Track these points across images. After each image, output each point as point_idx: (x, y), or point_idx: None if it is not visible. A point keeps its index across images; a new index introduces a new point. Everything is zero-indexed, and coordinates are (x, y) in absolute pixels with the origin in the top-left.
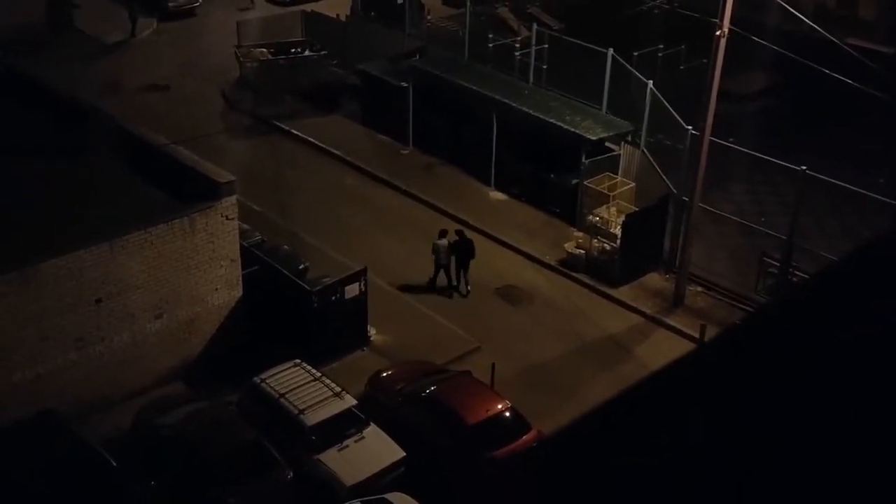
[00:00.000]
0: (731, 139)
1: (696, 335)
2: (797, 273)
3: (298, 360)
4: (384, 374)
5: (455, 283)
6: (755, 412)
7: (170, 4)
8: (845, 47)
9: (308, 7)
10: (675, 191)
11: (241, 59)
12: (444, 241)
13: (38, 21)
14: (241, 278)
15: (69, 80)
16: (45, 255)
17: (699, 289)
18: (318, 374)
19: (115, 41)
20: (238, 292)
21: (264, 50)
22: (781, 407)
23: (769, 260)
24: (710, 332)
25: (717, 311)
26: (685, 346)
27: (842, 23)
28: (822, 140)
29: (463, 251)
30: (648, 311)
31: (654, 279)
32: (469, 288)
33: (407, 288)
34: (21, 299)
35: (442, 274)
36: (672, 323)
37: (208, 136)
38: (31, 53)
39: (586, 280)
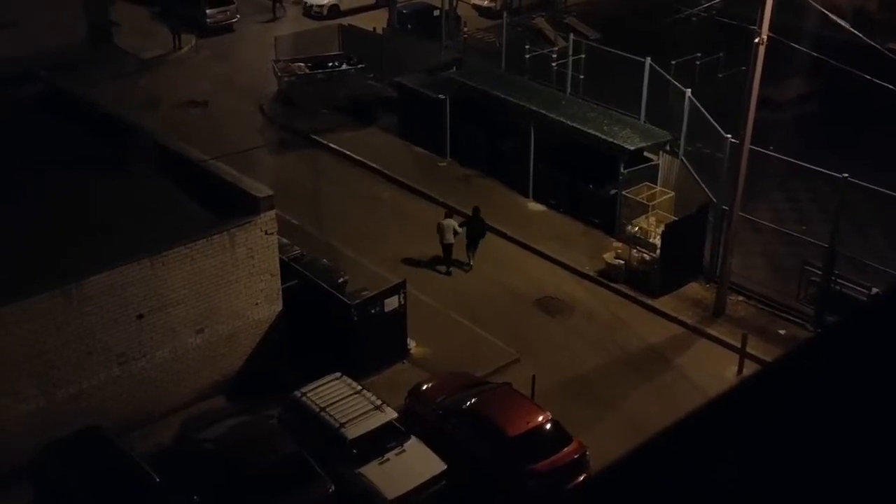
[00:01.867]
0: (770, 147)
1: (738, 345)
2: (840, 281)
3: (339, 374)
4: (424, 387)
5: (469, 260)
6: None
7: (208, 20)
8: (886, 52)
9: (345, 21)
10: (714, 200)
11: (279, 73)
12: (449, 221)
13: (79, 40)
14: (280, 292)
15: (110, 97)
16: (88, 270)
17: (740, 298)
18: (359, 388)
19: (154, 57)
20: (278, 306)
21: (301, 64)
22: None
23: (811, 268)
24: (752, 342)
25: (759, 321)
26: (727, 357)
27: (883, 27)
28: (863, 146)
29: (475, 229)
30: (689, 321)
31: (695, 289)
32: (472, 263)
33: (446, 301)
34: (65, 315)
35: (450, 252)
36: (713, 333)
37: (247, 151)
38: (73, 71)
39: (626, 290)
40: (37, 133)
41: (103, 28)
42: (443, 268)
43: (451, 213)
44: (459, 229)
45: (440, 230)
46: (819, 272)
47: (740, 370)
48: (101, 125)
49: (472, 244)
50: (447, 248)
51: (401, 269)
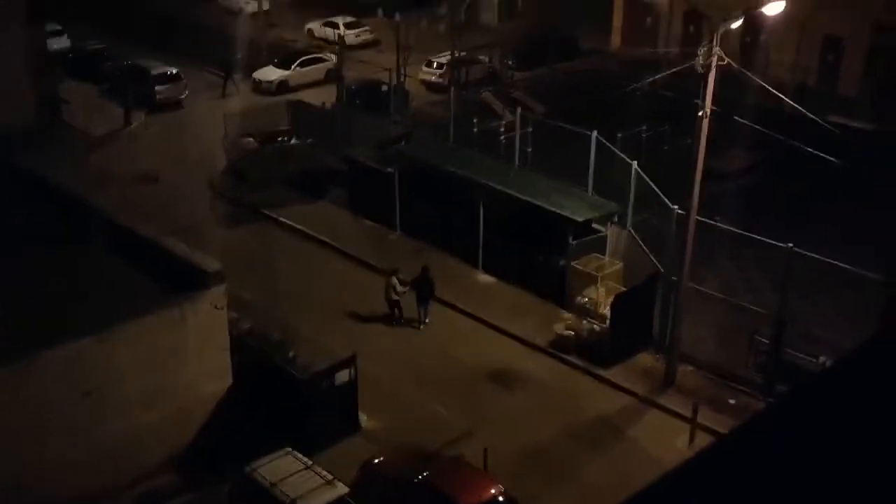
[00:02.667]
0: (716, 217)
1: (689, 415)
2: (788, 351)
3: (289, 449)
4: (376, 461)
5: (422, 318)
6: None
7: (158, 97)
8: (826, 125)
9: (294, 96)
10: (662, 270)
11: (229, 148)
12: (393, 279)
13: (27, 117)
14: (230, 367)
15: (58, 174)
16: (35, 347)
17: (690, 368)
18: (310, 463)
19: (104, 133)
20: (228, 381)
21: (251, 139)
22: None
23: (759, 338)
24: (703, 412)
25: (709, 390)
26: (678, 427)
27: (822, 101)
28: (806, 216)
29: (423, 287)
30: (640, 392)
31: (645, 359)
32: (427, 320)
33: (398, 374)
34: (12, 393)
35: (399, 308)
36: (664, 403)
37: (197, 225)
38: (21, 148)
39: (577, 361)
40: None
41: (52, 105)
42: (395, 321)
43: (395, 270)
44: (401, 288)
45: (385, 287)
46: (767, 342)
47: (692, 440)
48: (50, 201)
49: (421, 302)
50: (393, 303)
51: (352, 343)
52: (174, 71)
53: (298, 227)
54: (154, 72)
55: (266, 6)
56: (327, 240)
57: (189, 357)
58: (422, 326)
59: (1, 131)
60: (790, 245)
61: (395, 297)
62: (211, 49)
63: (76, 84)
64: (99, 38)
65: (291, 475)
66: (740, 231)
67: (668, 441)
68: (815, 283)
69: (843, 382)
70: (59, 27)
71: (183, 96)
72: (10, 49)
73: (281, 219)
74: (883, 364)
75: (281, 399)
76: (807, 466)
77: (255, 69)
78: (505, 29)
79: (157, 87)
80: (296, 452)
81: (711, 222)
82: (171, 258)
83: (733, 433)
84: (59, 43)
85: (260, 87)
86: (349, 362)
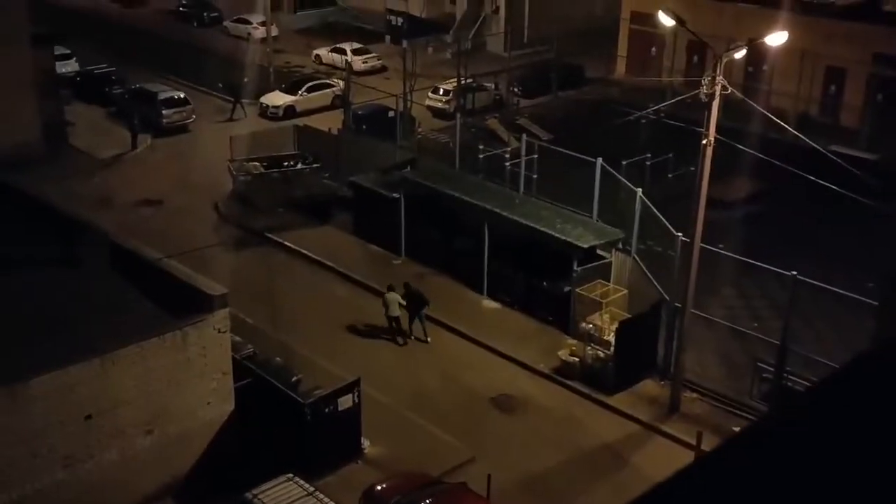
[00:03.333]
0: (720, 245)
1: (693, 442)
2: (791, 378)
3: (291, 475)
4: (379, 488)
5: (410, 334)
6: None
7: (164, 121)
8: (828, 154)
9: (300, 121)
10: (667, 297)
11: (234, 172)
12: (392, 294)
13: (33, 139)
14: (233, 392)
15: (64, 196)
16: (35, 370)
17: (695, 395)
18: (312, 489)
19: (110, 156)
20: (230, 406)
21: (257, 163)
22: None
23: (763, 365)
24: (707, 439)
25: (713, 418)
26: (682, 454)
27: (825, 130)
28: (809, 244)
29: (414, 302)
30: (644, 419)
31: (650, 386)
32: (428, 339)
33: (401, 399)
34: (10, 416)
35: (399, 324)
36: (668, 430)
37: (201, 249)
38: (26, 170)
39: (581, 388)
40: None
41: (58, 127)
42: (397, 339)
43: (393, 287)
44: (403, 301)
45: (385, 303)
46: (771, 369)
47: None
48: (55, 224)
49: (415, 317)
50: (393, 320)
51: (355, 367)
52: (181, 95)
53: (303, 251)
54: (161, 96)
55: (274, 32)
56: (332, 264)
57: (191, 381)
58: (429, 340)
59: (7, 152)
60: (794, 273)
61: (396, 314)
62: (219, 74)
63: (83, 107)
64: (107, 62)
65: (293, 502)
66: (744, 258)
67: (672, 468)
68: (818, 310)
69: (842, 390)
70: (67, 51)
71: (190, 120)
72: (17, 71)
73: (286, 243)
74: (880, 373)
75: (283, 424)
76: (808, 472)
77: (262, 94)
78: (511, 57)
79: (163, 111)
80: (298, 479)
81: (715, 250)
82: (174, 282)
83: (733, 440)
84: (68, 66)
85: (267, 113)
86: (353, 387)
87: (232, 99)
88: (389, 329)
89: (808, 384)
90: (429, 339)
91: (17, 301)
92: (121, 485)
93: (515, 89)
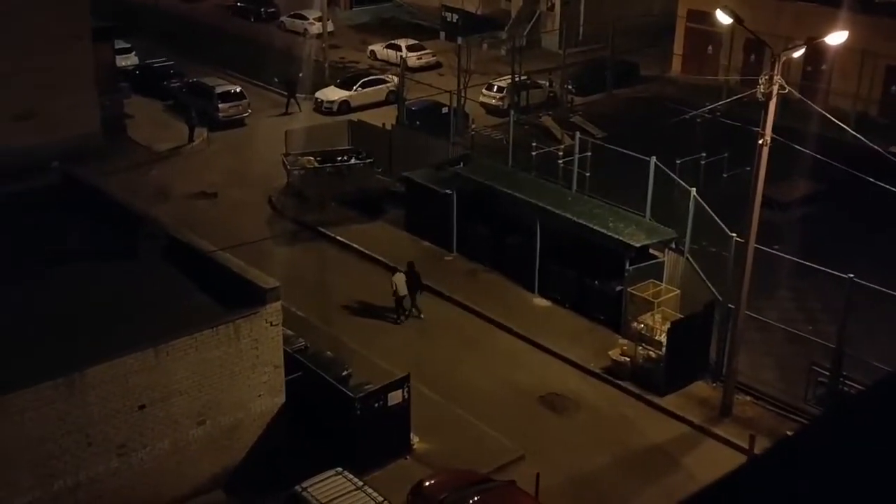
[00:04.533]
0: (775, 246)
1: (746, 446)
2: (847, 382)
3: (340, 469)
4: (427, 484)
5: (413, 311)
6: None
7: (220, 115)
8: (888, 155)
9: (355, 116)
10: (720, 298)
11: (289, 166)
12: (399, 275)
13: (93, 132)
14: (284, 384)
15: (122, 188)
16: (91, 359)
17: (747, 398)
18: (360, 483)
19: (167, 149)
20: (281, 399)
21: (311, 158)
22: None
23: (818, 369)
24: (760, 443)
25: (767, 421)
26: (734, 457)
27: (885, 131)
28: (867, 247)
29: (415, 280)
30: (695, 421)
31: (701, 388)
32: (422, 315)
33: (451, 395)
34: (67, 405)
35: (402, 304)
36: (720, 433)
37: (254, 242)
38: (87, 162)
39: (632, 388)
40: (49, 223)
41: (118, 120)
42: (396, 316)
43: (396, 269)
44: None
45: (393, 285)
46: (827, 373)
47: None
48: (113, 215)
49: (414, 295)
50: (400, 300)
51: (405, 363)
52: (238, 89)
53: (355, 245)
54: (218, 90)
55: (330, 28)
56: (383, 259)
57: (243, 373)
58: (419, 313)
59: (69, 144)
60: (850, 275)
61: (404, 293)
62: (275, 69)
63: (142, 100)
64: (166, 56)
65: (342, 496)
66: (799, 260)
67: (723, 472)
68: (875, 313)
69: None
70: (127, 45)
71: (246, 115)
72: (80, 65)
73: (338, 237)
74: None
75: (333, 418)
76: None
77: (317, 89)
78: (566, 54)
79: (220, 105)
80: (347, 473)
81: (770, 251)
82: (228, 274)
83: (783, 442)
84: (128, 60)
85: (321, 108)
86: (402, 382)
87: (286, 93)
88: (395, 309)
89: (863, 388)
90: (422, 316)
91: (76, 291)
92: (173, 474)
93: (570, 86)
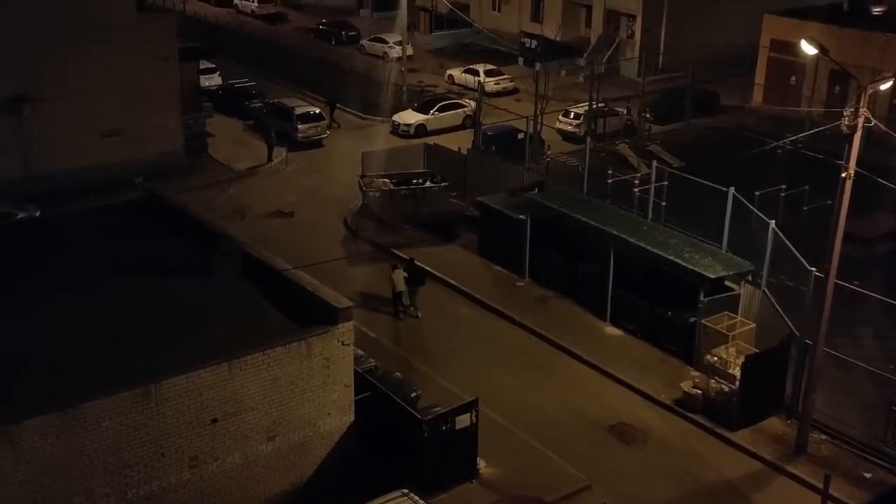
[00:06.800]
0: (855, 282)
1: (820, 485)
2: None
3: (406, 490)
4: None
5: (411, 310)
6: None
7: (299, 135)
8: None
9: (431, 140)
10: (797, 333)
11: (364, 188)
12: (398, 272)
13: (176, 149)
14: (353, 404)
15: (201, 205)
16: (168, 371)
17: (823, 436)
18: None
19: (245, 168)
20: (350, 418)
21: (387, 180)
22: None
23: None
24: (836, 484)
25: (843, 461)
26: (807, 496)
27: None
28: None
29: (415, 277)
30: (768, 458)
31: (775, 424)
32: (419, 314)
33: (518, 421)
34: (143, 415)
35: (401, 299)
36: (793, 471)
37: (328, 262)
38: (169, 179)
39: (703, 421)
40: (131, 237)
41: (200, 138)
42: (395, 312)
43: (395, 265)
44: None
45: (391, 281)
46: None
47: None
48: (192, 231)
49: (413, 293)
50: (398, 295)
51: (473, 387)
52: (316, 111)
53: (428, 269)
54: (298, 111)
55: (409, 52)
56: (455, 283)
57: (313, 391)
58: (419, 314)
59: (154, 161)
60: None
61: (402, 289)
62: (354, 91)
63: (223, 119)
64: (248, 77)
65: None
66: (882, 297)
67: None
68: None
69: None
70: (212, 65)
71: (324, 135)
72: (167, 85)
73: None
74: None
75: (401, 439)
76: None
77: (395, 112)
78: (645, 82)
79: (299, 126)
80: (412, 494)
81: (851, 286)
82: (302, 292)
83: None
84: (212, 79)
85: (398, 130)
86: (471, 406)
87: (329, 110)
88: (393, 304)
89: None
90: (419, 315)
91: (154, 304)
92: (242, 488)
93: (648, 115)
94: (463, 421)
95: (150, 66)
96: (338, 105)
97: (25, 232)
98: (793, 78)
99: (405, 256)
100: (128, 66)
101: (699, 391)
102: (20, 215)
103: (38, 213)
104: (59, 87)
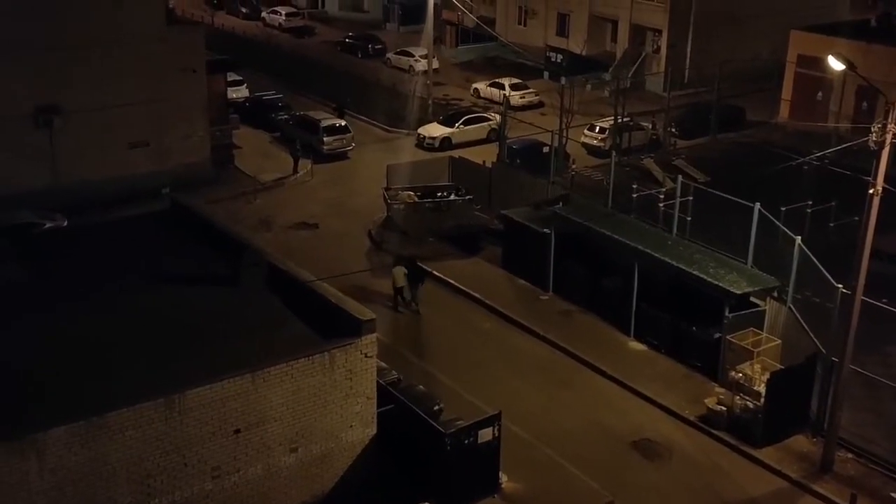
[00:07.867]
0: (883, 300)
1: None
2: None
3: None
4: None
5: (413, 305)
6: None
7: (325, 148)
8: None
9: (456, 153)
10: (823, 351)
11: (389, 200)
12: (399, 268)
13: (203, 160)
14: (375, 416)
15: (227, 215)
16: (191, 382)
17: (849, 455)
18: None
19: (271, 180)
20: (372, 430)
21: (411, 193)
22: None
23: None
24: (862, 503)
25: (869, 481)
26: None
27: None
28: None
29: (416, 273)
30: (793, 476)
31: (801, 442)
32: (419, 310)
33: (541, 435)
34: (166, 425)
35: (401, 294)
36: (819, 489)
37: (352, 273)
38: (195, 190)
39: (727, 438)
40: (157, 247)
41: (226, 150)
42: (394, 306)
43: (398, 261)
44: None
45: (392, 277)
46: None
47: None
48: (217, 242)
49: (413, 288)
50: (398, 290)
51: (495, 400)
52: (342, 123)
53: (451, 281)
54: (323, 123)
55: (435, 65)
56: (479, 296)
57: (336, 402)
58: (417, 307)
59: (181, 171)
60: None
61: (401, 285)
62: (380, 103)
63: (250, 131)
64: (275, 89)
65: None
66: None
67: None
68: None
69: None
70: (239, 77)
71: (349, 148)
72: (194, 96)
73: (435, 272)
74: None
75: (423, 452)
76: None
77: (420, 125)
78: (671, 97)
79: (325, 138)
80: None
81: (879, 304)
82: (326, 304)
83: None
84: (239, 92)
85: (423, 143)
86: (493, 420)
87: (336, 111)
88: (393, 299)
89: None
90: (419, 309)
91: (179, 315)
92: (264, 500)
93: (673, 129)
94: (486, 435)
95: (178, 78)
96: (346, 111)
97: (53, 241)
98: (820, 93)
99: (406, 255)
100: (156, 78)
101: (724, 407)
102: (48, 225)
103: (65, 223)
104: (88, 98)
